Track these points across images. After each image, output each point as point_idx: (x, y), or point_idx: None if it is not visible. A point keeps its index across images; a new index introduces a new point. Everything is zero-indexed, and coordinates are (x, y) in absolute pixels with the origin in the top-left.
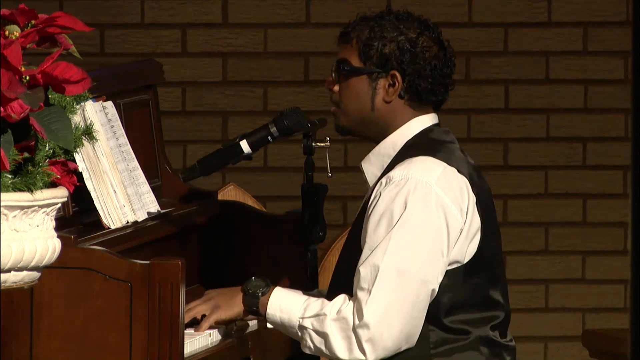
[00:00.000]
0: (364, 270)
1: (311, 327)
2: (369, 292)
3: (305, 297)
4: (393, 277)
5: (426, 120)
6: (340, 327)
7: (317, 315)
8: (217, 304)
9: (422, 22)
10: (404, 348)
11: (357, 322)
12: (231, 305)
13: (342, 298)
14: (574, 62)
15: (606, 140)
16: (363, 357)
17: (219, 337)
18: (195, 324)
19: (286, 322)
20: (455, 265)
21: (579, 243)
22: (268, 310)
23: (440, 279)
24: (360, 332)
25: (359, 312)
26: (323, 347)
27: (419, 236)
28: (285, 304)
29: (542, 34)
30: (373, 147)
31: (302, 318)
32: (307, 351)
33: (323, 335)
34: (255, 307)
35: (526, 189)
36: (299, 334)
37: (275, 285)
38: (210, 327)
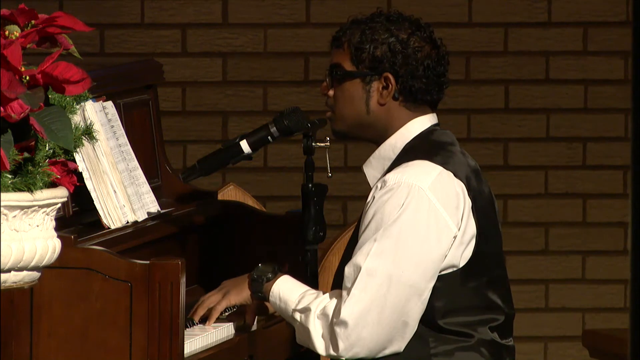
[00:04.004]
0: (347, 269)
1: (299, 320)
2: (349, 291)
3: (305, 288)
4: (373, 279)
5: (425, 122)
6: (321, 324)
7: (305, 310)
8: (227, 290)
9: (413, 22)
10: (388, 351)
11: (334, 319)
12: (240, 290)
13: (329, 295)
14: (574, 62)
15: (606, 140)
16: (338, 354)
17: (219, 337)
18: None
19: (283, 312)
20: (450, 270)
21: (579, 243)
22: (270, 297)
23: (428, 283)
24: (337, 329)
25: (338, 310)
26: (307, 341)
27: (404, 240)
28: (285, 293)
29: (542, 34)
30: (374, 149)
31: (294, 310)
32: (299, 343)
33: (306, 330)
34: (260, 292)
35: (526, 189)
36: (293, 324)
37: (282, 273)
38: (221, 321)
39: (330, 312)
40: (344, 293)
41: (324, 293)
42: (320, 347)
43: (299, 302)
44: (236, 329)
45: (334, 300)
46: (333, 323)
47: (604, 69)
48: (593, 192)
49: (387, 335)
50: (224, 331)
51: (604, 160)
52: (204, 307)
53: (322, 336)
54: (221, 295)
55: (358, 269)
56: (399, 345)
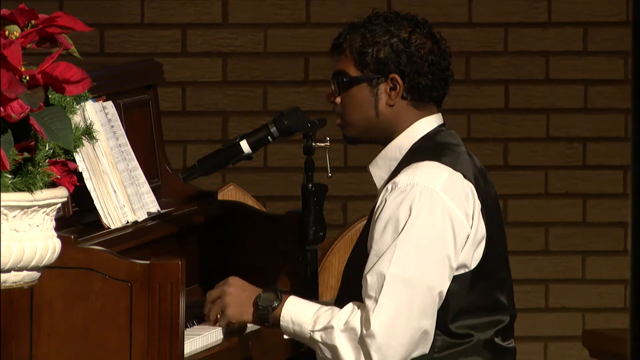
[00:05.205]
0: (370, 278)
1: (320, 340)
2: (376, 300)
3: (317, 307)
4: (399, 286)
5: (432, 122)
6: (348, 338)
7: (325, 328)
8: (230, 312)
9: (411, 19)
10: (415, 355)
11: (364, 331)
12: (242, 314)
13: (349, 308)
14: (574, 62)
15: (606, 140)
16: None
17: (219, 337)
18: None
19: (299, 334)
20: (463, 271)
21: (579, 243)
22: (281, 323)
23: (447, 284)
24: (369, 341)
25: (366, 321)
26: (334, 359)
27: (424, 243)
28: (297, 316)
29: (542, 34)
30: (374, 148)
31: (312, 331)
32: None
33: (332, 348)
34: (267, 322)
35: (526, 189)
36: (312, 345)
37: (286, 294)
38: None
39: (356, 325)
40: (370, 303)
41: (339, 307)
42: None
43: (315, 322)
44: (236, 328)
45: (357, 312)
46: (363, 335)
47: (604, 69)
48: (593, 192)
49: (416, 340)
50: (224, 331)
51: (604, 160)
52: (206, 308)
53: (352, 349)
54: (220, 309)
55: (382, 277)
56: (424, 348)
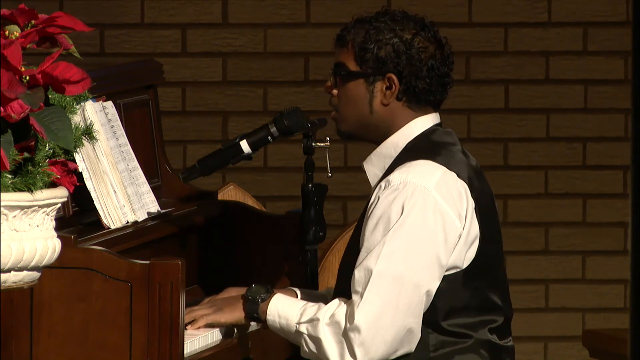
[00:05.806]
0: (358, 273)
1: (306, 332)
2: (362, 295)
3: (304, 302)
4: (386, 282)
5: (427, 121)
6: (332, 332)
7: (311, 320)
8: (219, 308)
9: (418, 21)
10: (400, 352)
11: (348, 325)
12: (233, 310)
13: (336, 302)
14: (574, 62)
15: (606, 140)
16: None
17: (219, 337)
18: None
19: (285, 328)
20: (454, 271)
21: (579, 243)
22: (268, 317)
23: (436, 283)
24: (352, 335)
25: (351, 315)
26: (318, 352)
27: (414, 241)
28: (284, 310)
29: (542, 34)
30: (374, 148)
31: (299, 323)
32: (306, 356)
33: (317, 340)
34: (255, 313)
35: (526, 189)
36: (297, 339)
37: (275, 291)
38: (211, 327)
39: (341, 319)
40: (355, 297)
41: (324, 303)
42: (333, 354)
43: (301, 315)
44: (236, 331)
45: (343, 306)
46: (347, 329)
47: (604, 69)
48: (593, 192)
49: (400, 337)
50: (224, 331)
51: (604, 160)
52: (191, 317)
53: (335, 343)
54: (212, 311)
55: (369, 273)
56: (409, 347)
